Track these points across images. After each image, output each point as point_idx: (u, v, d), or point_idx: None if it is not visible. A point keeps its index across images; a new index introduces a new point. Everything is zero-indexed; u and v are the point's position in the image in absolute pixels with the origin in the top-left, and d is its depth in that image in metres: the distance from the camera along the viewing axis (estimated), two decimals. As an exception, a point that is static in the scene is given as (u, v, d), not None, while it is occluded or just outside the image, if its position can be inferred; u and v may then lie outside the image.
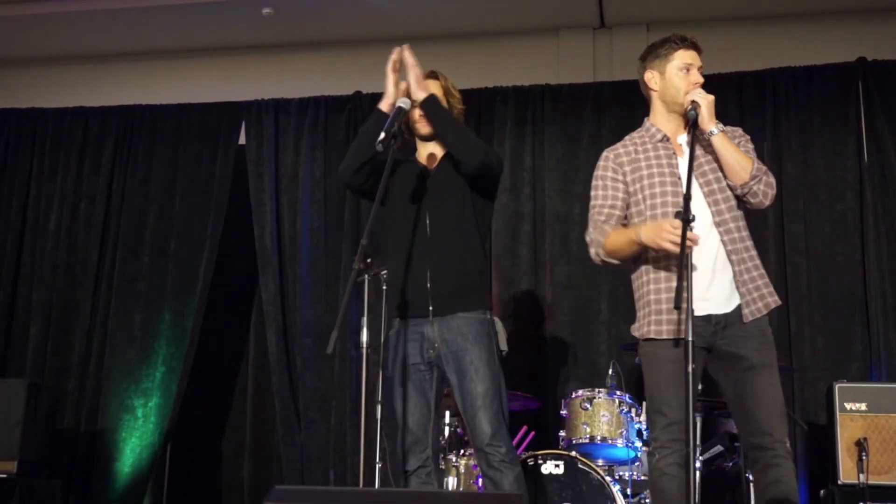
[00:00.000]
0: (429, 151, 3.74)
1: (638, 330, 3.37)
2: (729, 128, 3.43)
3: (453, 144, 3.57)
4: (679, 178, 3.36)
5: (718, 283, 3.27)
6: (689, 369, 3.03)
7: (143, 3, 6.17)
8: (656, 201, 3.37)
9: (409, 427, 3.45)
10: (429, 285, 3.49)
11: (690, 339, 3.01)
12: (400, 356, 3.51)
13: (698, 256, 3.21)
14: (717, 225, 3.30)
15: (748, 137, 3.46)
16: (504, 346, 3.70)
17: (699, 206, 3.25)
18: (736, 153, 3.30)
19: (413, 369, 3.49)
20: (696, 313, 3.14)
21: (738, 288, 3.28)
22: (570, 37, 6.29)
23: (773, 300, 3.33)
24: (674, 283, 3.15)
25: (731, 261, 3.28)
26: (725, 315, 3.26)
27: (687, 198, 3.08)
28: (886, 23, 5.92)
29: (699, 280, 3.18)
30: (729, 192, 3.34)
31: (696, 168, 3.35)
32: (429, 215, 3.57)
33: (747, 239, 3.35)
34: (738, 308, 3.28)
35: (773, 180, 3.33)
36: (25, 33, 6.53)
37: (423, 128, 3.69)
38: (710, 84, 5.80)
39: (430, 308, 3.47)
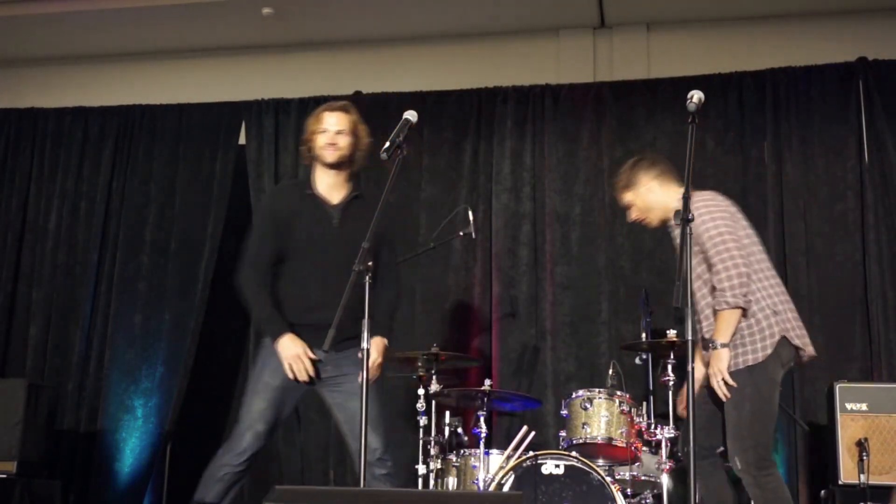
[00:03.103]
0: (332, 182, 3.83)
1: None
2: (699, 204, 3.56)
3: None
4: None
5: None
6: (690, 368, 3.04)
7: (143, 3, 6.17)
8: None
9: (262, 431, 3.72)
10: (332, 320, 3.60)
11: (690, 338, 3.02)
12: (281, 369, 3.68)
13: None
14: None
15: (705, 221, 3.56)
16: None
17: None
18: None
19: (287, 380, 3.69)
20: None
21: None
22: (570, 37, 6.29)
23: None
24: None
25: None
26: None
27: (686, 197, 3.09)
28: (886, 22, 5.91)
29: None
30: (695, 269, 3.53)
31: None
32: (334, 253, 3.70)
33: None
34: None
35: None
36: (25, 33, 6.53)
37: (330, 156, 3.80)
38: (710, 84, 5.85)
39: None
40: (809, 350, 3.68)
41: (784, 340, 3.57)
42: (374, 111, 6.18)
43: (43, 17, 6.33)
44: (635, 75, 6.07)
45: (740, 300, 3.45)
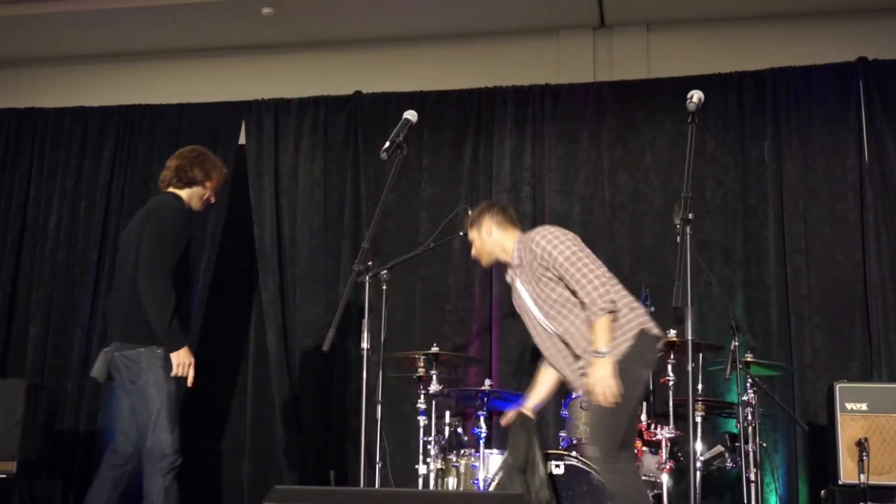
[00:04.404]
0: None
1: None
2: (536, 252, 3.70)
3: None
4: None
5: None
6: (690, 368, 3.04)
7: (144, 3, 6.17)
8: None
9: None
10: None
11: (690, 337, 3.02)
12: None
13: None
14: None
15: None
16: None
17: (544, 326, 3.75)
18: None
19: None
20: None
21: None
22: (570, 37, 6.29)
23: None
24: None
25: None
26: None
27: (686, 196, 3.10)
28: (886, 23, 5.92)
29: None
30: (550, 295, 3.68)
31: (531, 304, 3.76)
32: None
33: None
34: None
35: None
36: (25, 33, 6.53)
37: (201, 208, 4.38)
38: (710, 84, 5.85)
39: None
40: (663, 339, 3.75)
41: (643, 333, 3.60)
42: (374, 111, 6.22)
43: (43, 17, 6.33)
44: (635, 75, 6.07)
45: (608, 304, 3.53)
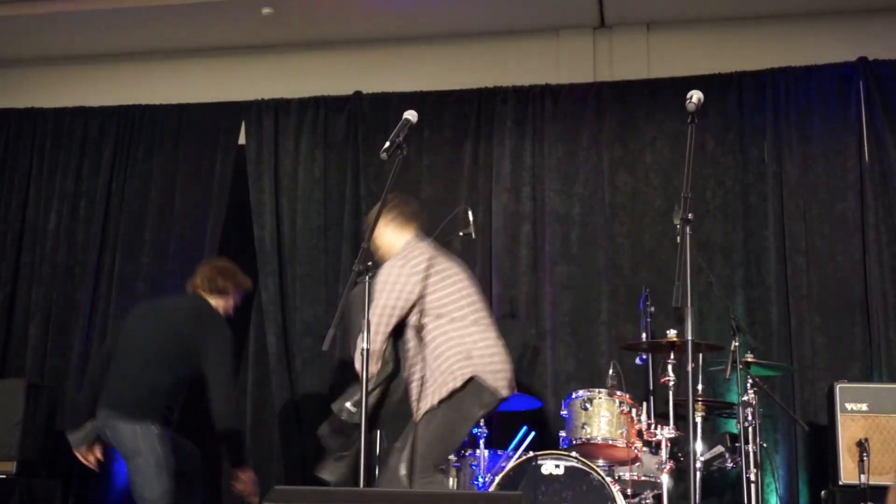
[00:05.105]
0: None
1: None
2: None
3: None
4: None
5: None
6: (690, 368, 3.04)
7: (143, 3, 6.17)
8: None
9: None
10: None
11: (690, 337, 3.02)
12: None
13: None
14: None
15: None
16: None
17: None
18: None
19: None
20: None
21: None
22: (570, 37, 6.29)
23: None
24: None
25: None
26: None
27: (686, 196, 3.10)
28: (886, 23, 5.92)
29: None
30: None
31: None
32: None
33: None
34: None
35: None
36: (25, 33, 6.53)
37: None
38: (710, 84, 5.85)
39: None
40: (501, 394, 3.80)
41: (476, 381, 3.72)
42: (374, 111, 6.22)
43: (43, 17, 6.33)
44: (635, 75, 6.07)
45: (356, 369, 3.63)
